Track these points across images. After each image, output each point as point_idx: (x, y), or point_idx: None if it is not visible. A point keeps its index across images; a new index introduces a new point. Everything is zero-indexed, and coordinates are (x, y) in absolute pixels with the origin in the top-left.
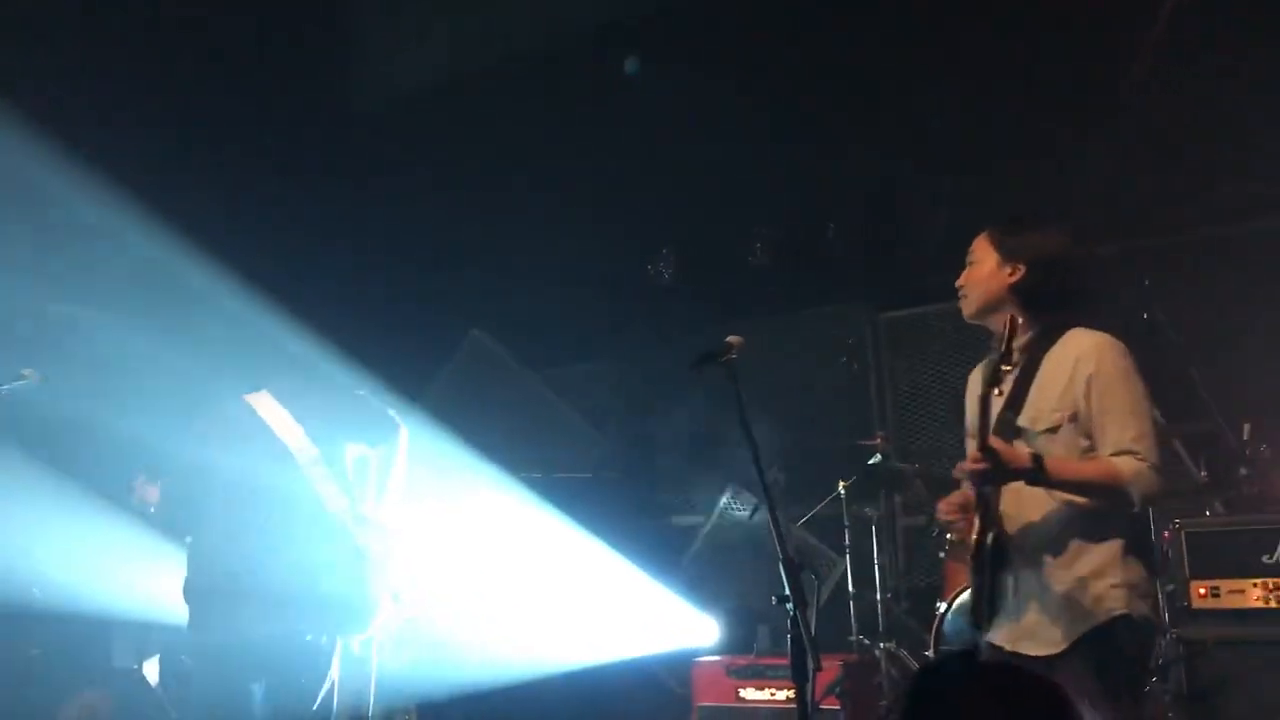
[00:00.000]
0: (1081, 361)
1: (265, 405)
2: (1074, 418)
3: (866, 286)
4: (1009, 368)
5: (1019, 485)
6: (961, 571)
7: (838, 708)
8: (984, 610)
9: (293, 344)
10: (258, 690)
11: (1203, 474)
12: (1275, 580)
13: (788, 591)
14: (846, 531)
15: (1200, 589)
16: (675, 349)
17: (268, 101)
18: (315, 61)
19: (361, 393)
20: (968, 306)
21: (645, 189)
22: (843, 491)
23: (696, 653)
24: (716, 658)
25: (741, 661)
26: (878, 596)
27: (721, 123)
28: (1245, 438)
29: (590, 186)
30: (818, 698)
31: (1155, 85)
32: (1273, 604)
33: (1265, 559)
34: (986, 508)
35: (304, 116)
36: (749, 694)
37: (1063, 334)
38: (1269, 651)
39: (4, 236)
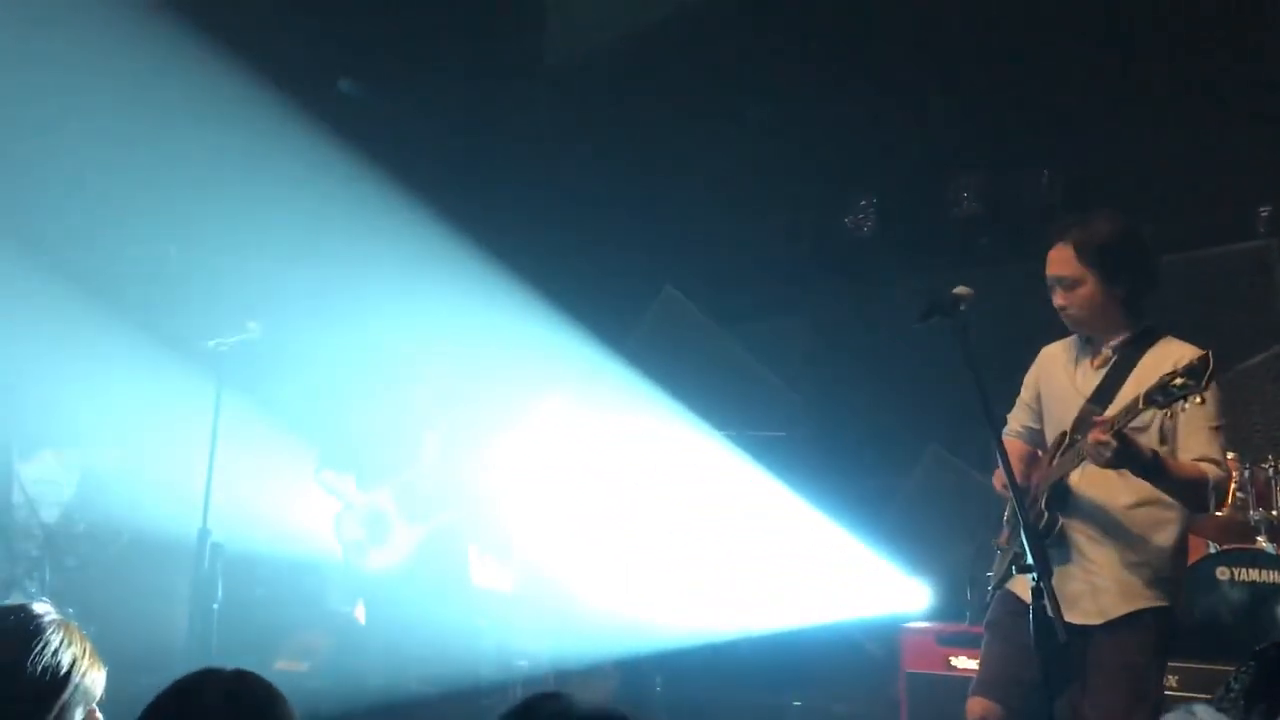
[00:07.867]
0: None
1: None
2: (1162, 417)
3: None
4: (1102, 365)
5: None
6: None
7: None
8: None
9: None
10: None
11: None
12: None
13: (1029, 560)
14: None
15: None
16: (871, 302)
17: (462, 57)
18: (507, 17)
19: None
20: (1077, 326)
21: (842, 137)
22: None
23: (903, 619)
24: (925, 624)
25: (953, 629)
26: None
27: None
28: None
29: (786, 137)
30: None
31: None
32: None
33: None
34: (1055, 485)
35: (498, 70)
36: (961, 663)
37: (1156, 339)
38: None
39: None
